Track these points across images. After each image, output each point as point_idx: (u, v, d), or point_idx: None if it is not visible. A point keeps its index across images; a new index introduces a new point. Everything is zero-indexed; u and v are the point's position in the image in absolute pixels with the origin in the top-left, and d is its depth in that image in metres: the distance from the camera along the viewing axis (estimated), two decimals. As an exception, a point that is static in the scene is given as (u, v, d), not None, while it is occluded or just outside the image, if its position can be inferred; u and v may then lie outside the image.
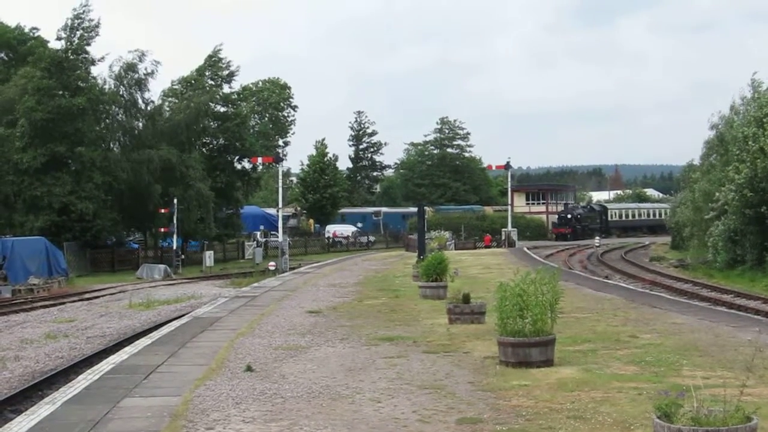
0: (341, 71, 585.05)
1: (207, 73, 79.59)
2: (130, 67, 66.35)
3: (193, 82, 78.19)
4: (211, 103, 75.67)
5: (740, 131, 45.44)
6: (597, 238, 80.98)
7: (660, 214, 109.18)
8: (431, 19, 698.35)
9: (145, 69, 67.08)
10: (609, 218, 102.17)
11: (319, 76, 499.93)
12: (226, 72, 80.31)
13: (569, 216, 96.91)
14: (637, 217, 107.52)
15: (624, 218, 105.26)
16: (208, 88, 77.25)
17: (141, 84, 67.22)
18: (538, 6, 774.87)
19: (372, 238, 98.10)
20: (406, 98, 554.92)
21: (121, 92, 66.65)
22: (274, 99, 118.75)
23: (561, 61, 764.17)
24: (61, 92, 59.84)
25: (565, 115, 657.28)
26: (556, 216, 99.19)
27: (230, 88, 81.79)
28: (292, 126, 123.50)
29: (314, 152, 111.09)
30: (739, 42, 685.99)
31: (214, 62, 79.99)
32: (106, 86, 66.30)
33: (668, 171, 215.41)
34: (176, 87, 78.48)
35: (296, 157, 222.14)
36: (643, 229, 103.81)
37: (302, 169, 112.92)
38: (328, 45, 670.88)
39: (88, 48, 63.71)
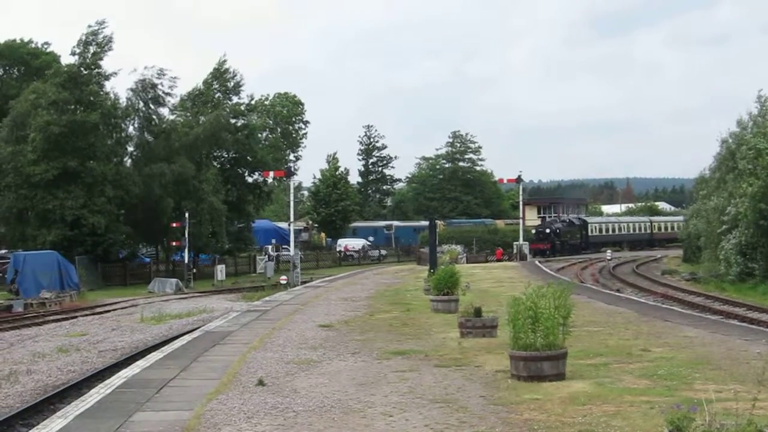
0: (353, 85, 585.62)
1: (215, 85, 79.87)
2: (149, 84, 66.58)
3: (201, 95, 78.45)
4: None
5: (753, 145, 45.35)
6: (608, 251, 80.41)
7: (640, 229, 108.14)
8: (444, 33, 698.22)
9: (162, 85, 67.45)
10: (590, 233, 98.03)
11: (331, 90, 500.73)
12: (232, 83, 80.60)
13: (548, 230, 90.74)
14: (617, 232, 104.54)
15: (605, 233, 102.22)
16: (215, 101, 77.53)
17: (158, 100, 67.49)
18: (552, 19, 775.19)
19: (383, 252, 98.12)
20: (418, 112, 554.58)
21: (138, 106, 66.85)
22: (285, 114, 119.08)
23: (574, 74, 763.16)
24: (74, 107, 60.15)
25: (577, 128, 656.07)
26: (533, 230, 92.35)
27: (238, 98, 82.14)
28: (303, 140, 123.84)
29: (326, 166, 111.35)
30: (756, 55, 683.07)
31: (220, 74, 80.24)
32: (121, 101, 66.61)
33: (680, 184, 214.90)
34: (186, 100, 78.76)
35: (307, 170, 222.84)
36: (623, 244, 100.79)
37: (314, 182, 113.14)
38: (341, 59, 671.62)
39: (101, 63, 64.18)
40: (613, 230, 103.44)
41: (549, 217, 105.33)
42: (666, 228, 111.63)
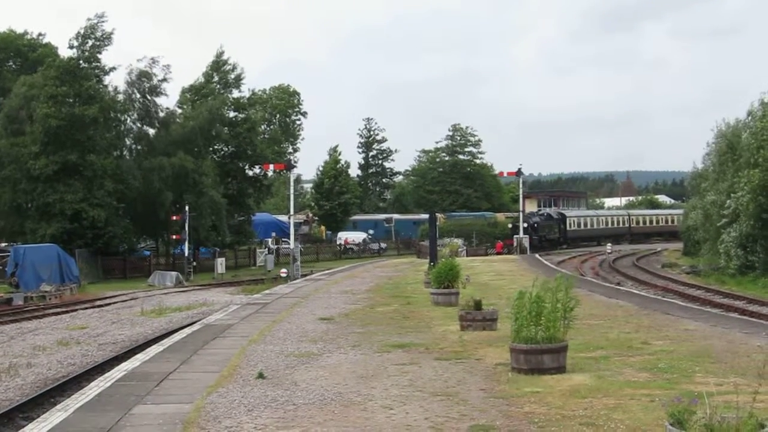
0: (355, 79, 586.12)
1: (215, 78, 79.71)
2: (144, 75, 66.53)
3: (202, 88, 78.34)
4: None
5: (753, 138, 45.28)
6: (608, 245, 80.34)
7: (618, 223, 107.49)
8: (447, 27, 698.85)
9: (157, 75, 67.47)
10: (568, 227, 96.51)
11: (333, 84, 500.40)
12: (232, 76, 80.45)
13: (525, 225, 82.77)
14: (596, 226, 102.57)
15: (583, 227, 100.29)
16: (216, 94, 77.43)
17: (155, 90, 67.47)
18: (555, 14, 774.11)
19: (383, 245, 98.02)
20: (419, 106, 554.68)
21: (135, 97, 66.80)
22: (282, 106, 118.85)
23: (576, 68, 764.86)
24: (72, 100, 60.12)
25: (578, 122, 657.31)
26: (510, 225, 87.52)
27: (239, 92, 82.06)
28: (301, 132, 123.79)
29: (328, 159, 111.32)
30: (760, 49, 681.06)
31: (219, 66, 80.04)
32: (119, 95, 66.57)
33: (680, 177, 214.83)
34: (187, 94, 78.65)
35: (309, 164, 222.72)
36: (601, 239, 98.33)
37: (317, 174, 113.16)
38: (342, 54, 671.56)
39: (100, 56, 64.17)
40: (592, 225, 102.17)
41: (527, 212, 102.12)
42: (645, 222, 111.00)
